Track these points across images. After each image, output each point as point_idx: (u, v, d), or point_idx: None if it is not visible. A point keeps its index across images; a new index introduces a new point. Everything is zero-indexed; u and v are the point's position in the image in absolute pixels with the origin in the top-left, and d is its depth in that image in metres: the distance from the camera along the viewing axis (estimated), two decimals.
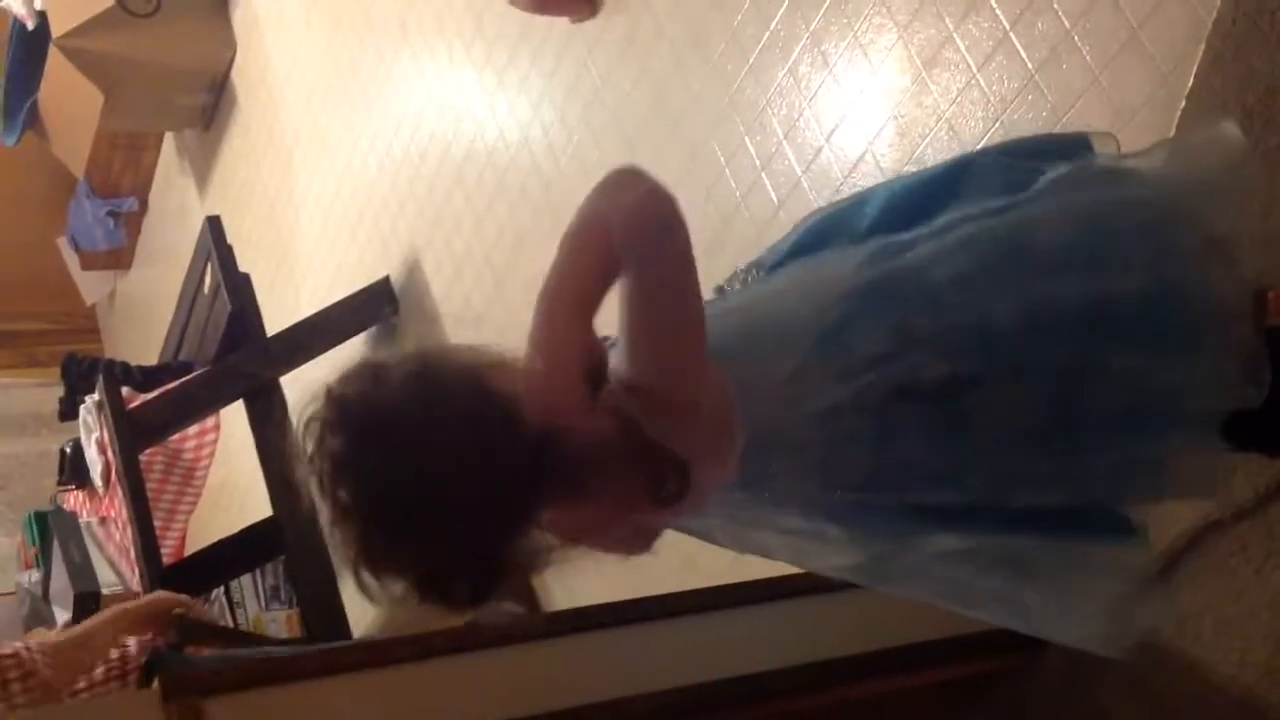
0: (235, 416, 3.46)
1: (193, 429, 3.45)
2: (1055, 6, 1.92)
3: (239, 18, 4.85)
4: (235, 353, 3.43)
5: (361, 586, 0.99)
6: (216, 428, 3.48)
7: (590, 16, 2.89)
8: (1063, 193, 1.17)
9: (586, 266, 1.01)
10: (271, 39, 4.59)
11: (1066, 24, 1.90)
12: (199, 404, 3.38)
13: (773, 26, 2.43)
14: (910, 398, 1.12)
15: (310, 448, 0.98)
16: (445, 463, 0.96)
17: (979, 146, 2.00)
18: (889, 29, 2.20)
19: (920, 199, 1.21)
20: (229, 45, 4.88)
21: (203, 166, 5.22)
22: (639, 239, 1.00)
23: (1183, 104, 1.72)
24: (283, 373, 3.43)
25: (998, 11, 2.00)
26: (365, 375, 1.00)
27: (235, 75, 4.90)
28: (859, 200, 1.26)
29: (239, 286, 3.42)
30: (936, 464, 1.13)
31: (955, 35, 2.07)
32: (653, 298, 1.01)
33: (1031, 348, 1.12)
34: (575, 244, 1.03)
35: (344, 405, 0.98)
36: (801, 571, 1.38)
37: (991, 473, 1.14)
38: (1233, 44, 1.64)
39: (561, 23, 2.98)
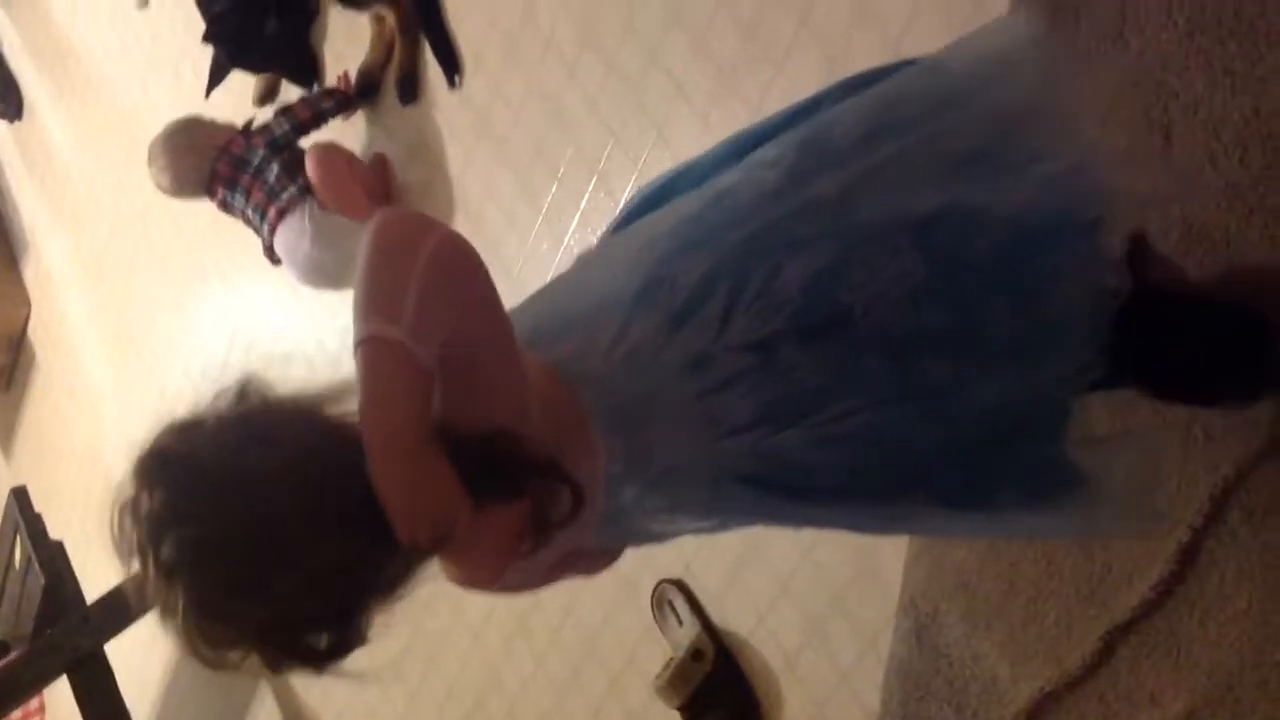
0: (63, 692, 3.28)
1: (16, 713, 3.25)
2: None
3: (30, 274, 4.77)
4: (54, 626, 3.28)
5: (200, 659, 0.90)
6: (41, 709, 3.30)
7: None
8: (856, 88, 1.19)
9: (406, 393, 0.92)
10: (65, 292, 4.52)
11: None
12: (20, 686, 3.21)
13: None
14: (788, 331, 1.07)
15: (128, 527, 0.89)
16: (282, 492, 0.89)
17: None
18: None
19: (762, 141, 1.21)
20: (23, 303, 4.78)
21: (5, 428, 5.04)
22: (450, 286, 0.95)
23: None
24: (107, 640, 3.28)
25: None
26: (174, 428, 0.92)
27: (32, 333, 4.79)
28: (696, 160, 1.24)
29: (51, 557, 3.30)
30: (829, 379, 1.08)
31: None
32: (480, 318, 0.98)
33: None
34: (377, 373, 0.92)
35: (156, 459, 0.90)
36: None
37: (891, 377, 1.08)
38: None
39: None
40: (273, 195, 2.87)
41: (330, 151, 2.87)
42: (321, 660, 0.92)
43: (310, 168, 2.82)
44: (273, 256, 2.96)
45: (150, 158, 3.01)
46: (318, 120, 2.94)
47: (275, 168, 2.87)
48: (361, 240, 0.96)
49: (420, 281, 0.92)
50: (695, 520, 1.19)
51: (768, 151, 1.18)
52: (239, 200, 2.94)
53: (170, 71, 3.68)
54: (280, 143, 2.90)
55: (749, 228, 1.11)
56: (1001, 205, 1.11)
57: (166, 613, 0.89)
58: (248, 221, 2.98)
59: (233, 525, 0.88)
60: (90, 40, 4.22)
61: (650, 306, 1.09)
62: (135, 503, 0.90)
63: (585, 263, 1.25)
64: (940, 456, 1.11)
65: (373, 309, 0.92)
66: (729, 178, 1.17)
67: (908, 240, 1.08)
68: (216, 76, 3.09)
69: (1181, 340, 1.25)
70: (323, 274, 2.92)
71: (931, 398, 1.09)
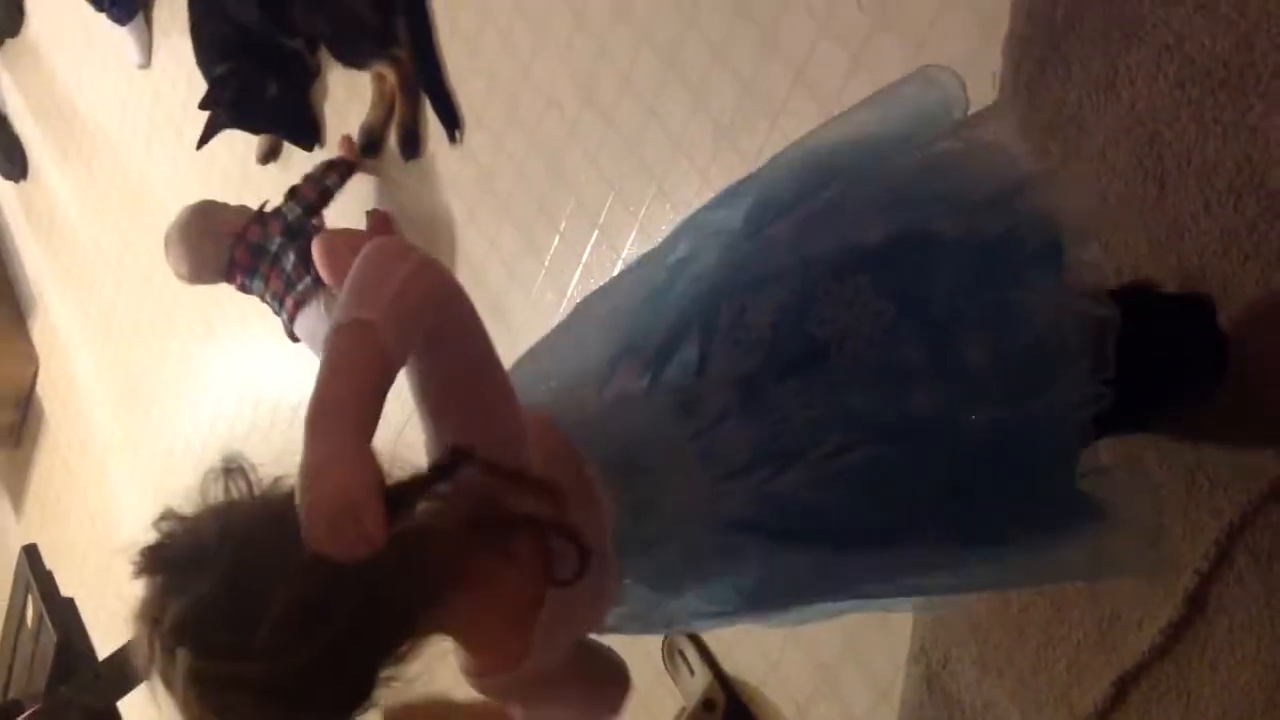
0: None
1: None
2: None
3: (38, 330, 4.80)
4: (66, 683, 3.28)
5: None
6: None
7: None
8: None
9: (362, 370, 0.90)
10: (73, 348, 4.54)
11: None
12: None
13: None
14: (767, 364, 1.09)
15: (155, 647, 0.91)
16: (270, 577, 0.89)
17: None
18: None
19: None
20: (31, 360, 4.80)
21: (16, 485, 5.05)
22: (423, 298, 0.94)
23: None
24: (120, 696, 3.28)
25: None
26: (170, 522, 0.96)
27: (40, 389, 4.81)
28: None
29: (63, 614, 3.29)
30: (818, 414, 1.09)
31: None
32: (460, 332, 0.98)
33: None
34: (339, 350, 0.91)
35: (155, 552, 0.94)
36: None
37: (879, 410, 1.09)
38: None
39: None
40: (289, 286, 2.90)
41: (335, 243, 2.82)
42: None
43: (317, 260, 2.81)
44: (293, 338, 2.99)
45: (167, 246, 3.01)
46: (325, 198, 2.95)
47: (291, 256, 2.88)
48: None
49: (402, 283, 0.93)
50: (708, 598, 1.19)
51: (719, 214, 1.21)
52: (258, 286, 2.97)
53: (172, 130, 3.72)
54: (295, 228, 2.90)
55: (712, 279, 1.15)
56: (947, 230, 1.13)
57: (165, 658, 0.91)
58: (267, 304, 3.00)
59: (222, 586, 0.90)
60: (93, 100, 4.26)
61: (630, 354, 1.12)
62: (153, 616, 0.92)
63: (560, 327, 1.27)
64: (946, 492, 1.12)
65: (353, 302, 0.93)
66: (684, 246, 1.20)
67: (869, 281, 1.10)
68: (211, 130, 3.10)
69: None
70: None
71: (924, 431, 1.10)
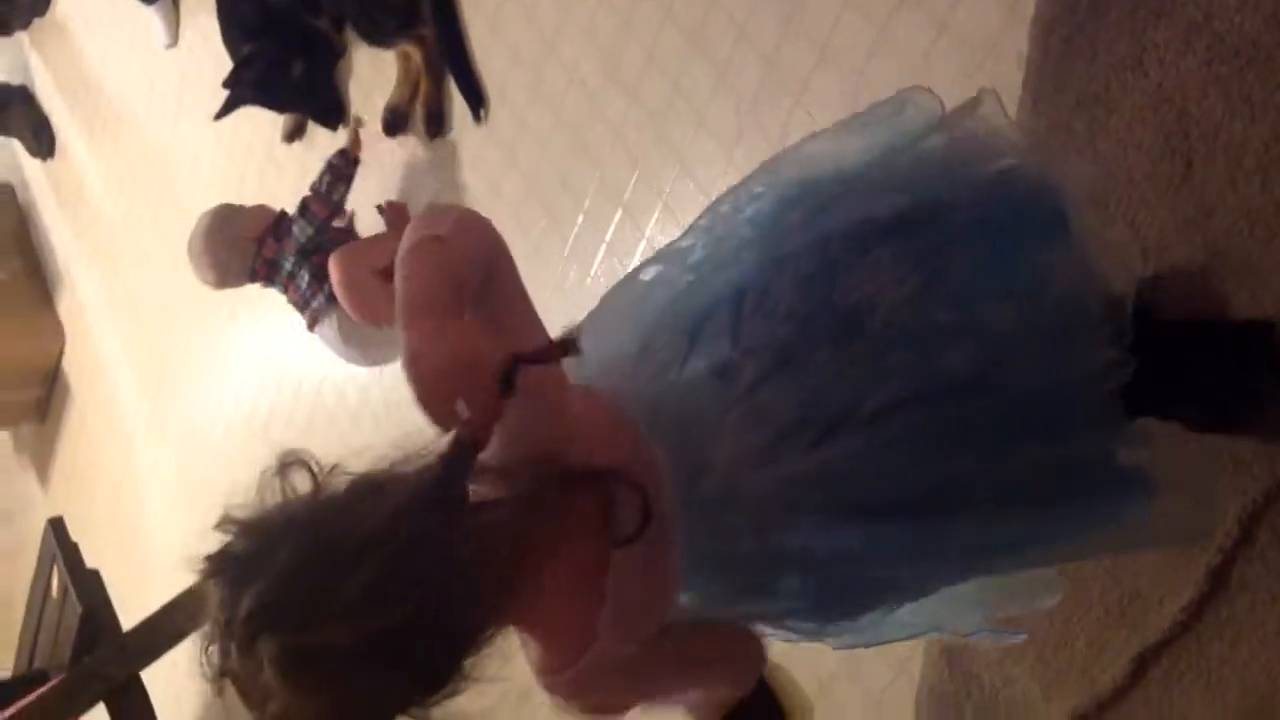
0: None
1: None
2: None
3: (65, 307, 4.84)
4: (91, 654, 3.31)
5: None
6: None
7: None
8: None
9: (446, 278, 0.97)
10: (100, 325, 4.58)
11: None
12: (57, 715, 3.23)
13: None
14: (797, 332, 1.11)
15: (231, 650, 0.90)
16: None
17: None
18: None
19: None
20: (58, 337, 4.84)
21: (42, 460, 5.10)
22: (478, 234, 1.03)
23: None
24: (143, 667, 3.31)
25: None
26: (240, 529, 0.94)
27: (66, 365, 4.86)
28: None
29: (88, 586, 3.33)
30: (858, 376, 1.09)
31: None
32: (510, 273, 1.05)
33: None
34: (413, 261, 0.98)
35: (228, 560, 0.92)
36: None
37: (919, 370, 1.10)
38: None
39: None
40: (305, 302, 2.93)
41: (350, 266, 2.81)
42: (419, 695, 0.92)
43: (334, 284, 2.82)
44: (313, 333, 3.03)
45: (191, 255, 3.02)
46: (336, 212, 2.96)
47: (306, 275, 2.91)
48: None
49: (460, 215, 1.04)
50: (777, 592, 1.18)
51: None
52: (279, 290, 3.01)
53: (199, 109, 3.73)
54: (308, 248, 2.91)
55: (734, 270, 1.18)
56: (957, 201, 1.15)
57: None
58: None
59: (296, 565, 0.90)
60: (120, 79, 4.29)
61: (662, 334, 1.15)
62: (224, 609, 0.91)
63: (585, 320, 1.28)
64: (996, 453, 1.13)
65: (419, 229, 1.01)
66: (699, 253, 1.23)
67: (888, 253, 1.12)
68: (231, 105, 3.10)
69: (1202, 372, 1.26)
70: (359, 364, 3.03)
71: (963, 393, 1.11)
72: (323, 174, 2.95)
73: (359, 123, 3.01)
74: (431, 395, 0.91)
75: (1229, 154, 1.53)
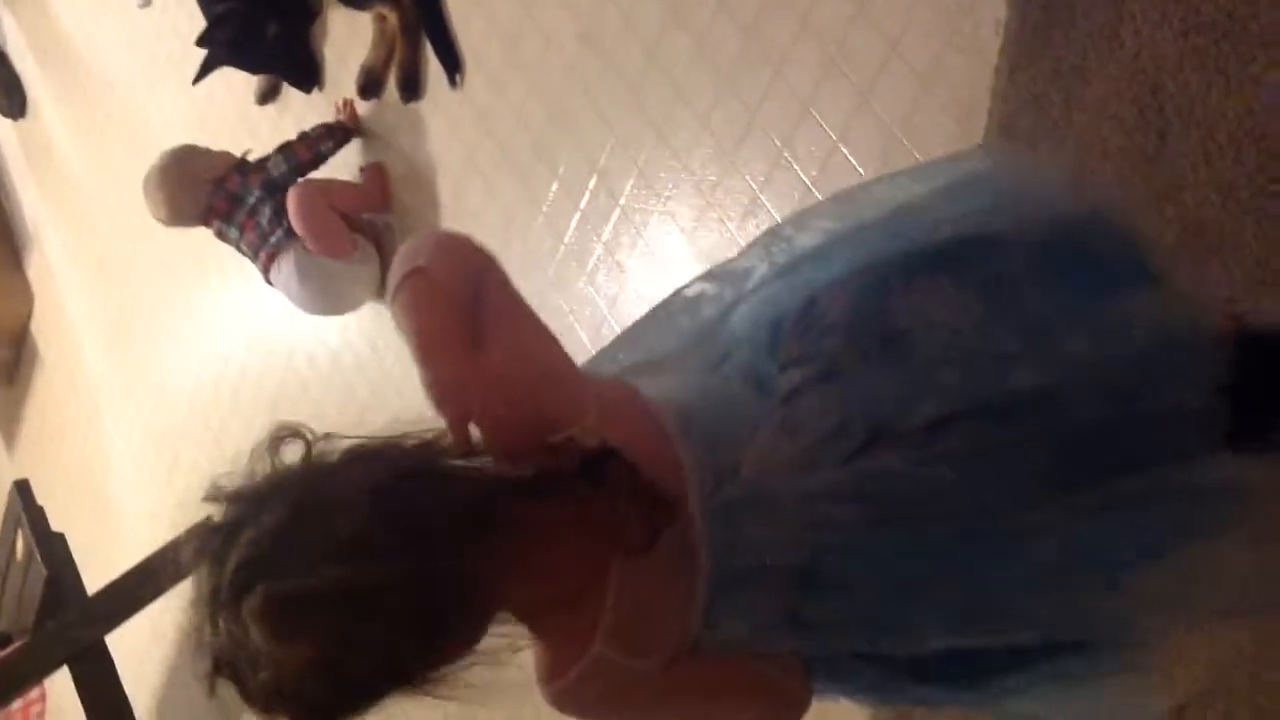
0: (64, 682, 3.29)
1: (17, 702, 3.27)
2: None
3: (34, 269, 4.79)
4: (55, 618, 3.29)
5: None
6: (42, 698, 3.32)
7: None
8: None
9: (437, 306, 1.00)
10: (69, 287, 4.54)
11: None
12: (20, 678, 3.22)
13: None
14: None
15: (220, 611, 0.89)
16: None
17: None
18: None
19: None
20: (26, 299, 4.80)
21: (9, 422, 5.06)
22: (458, 252, 1.05)
23: None
24: (107, 631, 3.29)
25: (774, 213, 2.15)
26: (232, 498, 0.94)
27: (34, 327, 4.81)
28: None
29: (53, 550, 3.31)
30: (906, 389, 1.05)
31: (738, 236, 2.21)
32: (503, 282, 1.06)
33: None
34: (404, 300, 1.01)
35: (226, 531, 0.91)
36: None
37: (975, 387, 1.05)
38: None
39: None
40: (264, 238, 2.91)
41: (309, 195, 2.85)
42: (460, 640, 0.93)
43: (291, 212, 2.83)
44: (269, 283, 3.00)
45: (145, 189, 3.01)
46: (317, 161, 2.95)
47: (268, 210, 2.89)
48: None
49: (437, 238, 1.09)
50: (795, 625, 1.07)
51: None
52: (233, 234, 2.98)
53: (173, 70, 3.70)
54: (278, 184, 2.90)
55: (786, 288, 1.17)
56: (1008, 233, 1.13)
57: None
58: (242, 252, 3.01)
59: (288, 520, 0.90)
60: (93, 39, 4.24)
61: (699, 344, 1.17)
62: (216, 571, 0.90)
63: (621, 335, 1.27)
64: (1060, 481, 1.05)
65: (401, 268, 1.03)
66: (756, 276, 1.22)
67: (949, 281, 1.09)
68: (207, 67, 3.07)
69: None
70: (316, 308, 2.99)
71: (1029, 410, 1.05)
72: (317, 126, 2.96)
73: (350, 103, 3.00)
74: (455, 426, 0.95)
75: (1203, 127, 1.53)
